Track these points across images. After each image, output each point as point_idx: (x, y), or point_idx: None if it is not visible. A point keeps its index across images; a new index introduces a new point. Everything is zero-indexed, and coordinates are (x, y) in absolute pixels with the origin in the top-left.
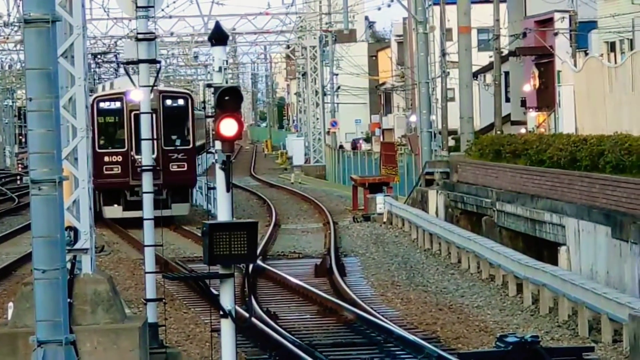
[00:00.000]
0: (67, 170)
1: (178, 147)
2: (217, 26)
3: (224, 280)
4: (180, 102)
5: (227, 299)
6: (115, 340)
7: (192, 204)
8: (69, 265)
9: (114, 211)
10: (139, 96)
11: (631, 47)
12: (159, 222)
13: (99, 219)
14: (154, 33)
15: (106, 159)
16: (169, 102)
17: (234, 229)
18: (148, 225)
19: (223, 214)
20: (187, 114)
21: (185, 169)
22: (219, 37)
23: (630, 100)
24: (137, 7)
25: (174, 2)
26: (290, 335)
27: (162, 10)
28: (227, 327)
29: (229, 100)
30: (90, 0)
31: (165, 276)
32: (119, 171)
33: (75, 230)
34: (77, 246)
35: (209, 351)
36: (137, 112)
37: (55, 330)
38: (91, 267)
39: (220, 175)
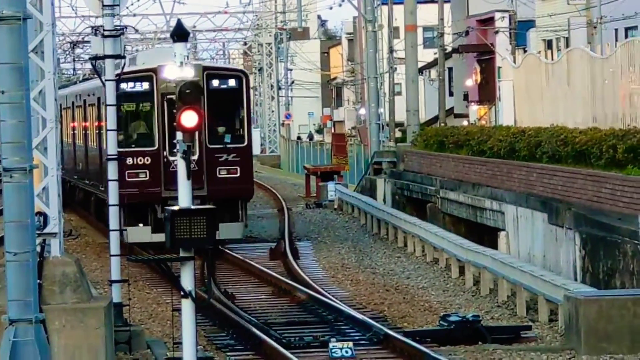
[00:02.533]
0: (37, 159)
1: (228, 146)
2: (179, 24)
3: (184, 263)
4: (232, 82)
5: (187, 281)
6: (82, 318)
7: (246, 223)
8: (38, 249)
9: (139, 233)
10: (176, 73)
11: (567, 45)
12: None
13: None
14: (120, 29)
15: (129, 161)
16: (215, 82)
17: (194, 214)
18: (113, 211)
19: (183, 201)
20: (240, 99)
21: (238, 175)
22: (180, 34)
23: (565, 94)
24: (103, 5)
25: (138, 1)
26: (246, 315)
27: (127, 8)
28: (187, 307)
29: (189, 93)
30: None
31: (129, 259)
32: (147, 178)
33: (44, 216)
34: (46, 230)
35: (170, 329)
36: (174, 96)
37: (25, 309)
38: (60, 250)
39: (181, 164)
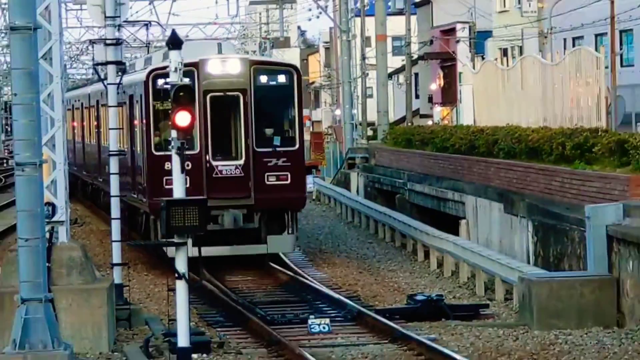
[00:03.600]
0: (46, 155)
1: (278, 149)
2: (173, 33)
3: (178, 248)
4: (282, 78)
5: (181, 264)
6: (87, 298)
7: (297, 235)
8: (48, 235)
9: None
10: (224, 67)
11: (521, 53)
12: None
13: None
14: (120, 39)
15: (167, 166)
16: (264, 78)
17: (187, 204)
18: (114, 201)
19: (178, 192)
20: (291, 96)
21: (289, 181)
22: (174, 42)
23: (519, 97)
24: (105, 16)
25: (137, 13)
26: (234, 295)
27: (126, 19)
28: (181, 287)
29: (183, 95)
30: (66, 10)
31: (129, 244)
32: (188, 185)
33: (53, 205)
34: (54, 219)
35: (165, 307)
36: (218, 93)
37: (36, 289)
38: (66, 237)
39: (176, 159)
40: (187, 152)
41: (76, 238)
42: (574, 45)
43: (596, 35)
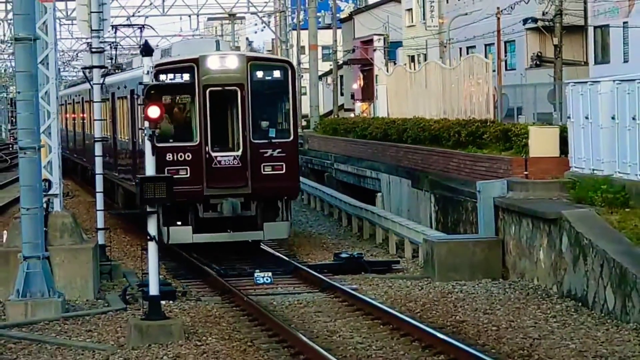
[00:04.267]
0: (43, 141)
1: (273, 140)
2: (146, 43)
3: (150, 216)
4: (277, 74)
5: (152, 228)
6: (76, 256)
7: (291, 222)
8: (45, 205)
9: (181, 234)
10: (222, 63)
11: (425, 59)
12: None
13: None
14: (102, 48)
15: (169, 156)
16: (259, 73)
17: (157, 180)
18: (98, 178)
19: (149, 170)
20: (286, 91)
21: (284, 171)
22: (147, 50)
23: (424, 94)
24: (91, 30)
25: (118, 26)
26: (196, 255)
27: (108, 32)
28: (152, 248)
29: (154, 93)
30: (59, 24)
31: (110, 213)
32: (188, 175)
33: (49, 182)
34: (50, 192)
35: (140, 263)
36: (217, 88)
37: (35, 249)
38: (60, 207)
39: (147, 144)
40: (188, 144)
41: (68, 208)
42: (467, 53)
43: (486, 45)
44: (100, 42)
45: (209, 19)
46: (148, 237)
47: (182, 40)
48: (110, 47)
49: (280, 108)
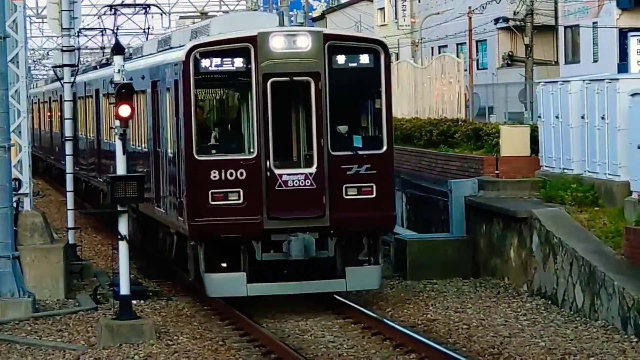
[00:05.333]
0: (13, 140)
1: (360, 153)
2: (117, 42)
3: (121, 215)
4: (365, 59)
5: (123, 228)
6: (47, 255)
7: (383, 266)
8: (15, 204)
9: (229, 283)
10: (290, 43)
11: (397, 58)
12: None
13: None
14: (73, 46)
15: (213, 175)
16: (342, 59)
17: (127, 179)
18: (69, 177)
19: (120, 169)
20: (377, 83)
21: (374, 195)
22: (118, 49)
23: (396, 93)
24: (62, 28)
25: (88, 24)
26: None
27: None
28: (123, 247)
29: (125, 92)
30: (30, 23)
31: (81, 212)
32: (240, 201)
33: (19, 181)
34: (20, 191)
35: (111, 263)
36: (283, 79)
37: (5, 248)
38: (30, 206)
39: (118, 143)
40: (240, 157)
41: (38, 207)
42: (439, 52)
43: (457, 44)
44: (87, 28)
45: (181, 17)
46: (119, 237)
47: (224, 15)
48: (101, 34)
49: (370, 107)
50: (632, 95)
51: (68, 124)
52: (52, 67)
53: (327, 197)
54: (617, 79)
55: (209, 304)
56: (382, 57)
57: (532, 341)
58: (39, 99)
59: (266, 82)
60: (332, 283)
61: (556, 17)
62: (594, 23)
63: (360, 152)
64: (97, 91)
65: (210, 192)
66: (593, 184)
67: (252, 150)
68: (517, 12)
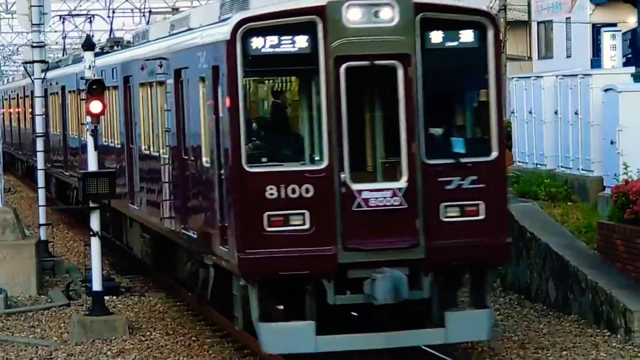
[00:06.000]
0: None
1: (462, 161)
2: (88, 38)
3: (93, 211)
4: (468, 37)
5: (95, 224)
6: (18, 252)
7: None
8: None
9: (292, 335)
10: (370, 16)
11: None
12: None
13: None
14: (43, 42)
15: (270, 192)
16: (438, 37)
17: (99, 176)
18: (40, 174)
19: (92, 166)
20: (484, 68)
21: (482, 217)
22: (89, 45)
23: None
24: (32, 24)
25: (58, 21)
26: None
27: (50, 26)
28: (95, 243)
29: (96, 88)
30: None
31: (53, 208)
32: (307, 226)
33: None
34: None
35: (83, 259)
36: (361, 63)
37: None
38: (1, 203)
39: (90, 140)
40: (306, 168)
41: (9, 204)
42: None
43: None
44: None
45: (151, 12)
46: (91, 233)
47: None
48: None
49: (474, 101)
50: (605, 90)
51: (39, 120)
52: (23, 63)
53: (421, 220)
54: (591, 75)
55: (181, 300)
56: (491, 33)
57: (505, 335)
58: (9, 95)
59: (339, 68)
60: (428, 334)
61: (529, 13)
62: (567, 18)
63: (463, 160)
64: (63, 88)
65: (265, 215)
66: (566, 179)
67: (320, 158)
68: (491, 7)
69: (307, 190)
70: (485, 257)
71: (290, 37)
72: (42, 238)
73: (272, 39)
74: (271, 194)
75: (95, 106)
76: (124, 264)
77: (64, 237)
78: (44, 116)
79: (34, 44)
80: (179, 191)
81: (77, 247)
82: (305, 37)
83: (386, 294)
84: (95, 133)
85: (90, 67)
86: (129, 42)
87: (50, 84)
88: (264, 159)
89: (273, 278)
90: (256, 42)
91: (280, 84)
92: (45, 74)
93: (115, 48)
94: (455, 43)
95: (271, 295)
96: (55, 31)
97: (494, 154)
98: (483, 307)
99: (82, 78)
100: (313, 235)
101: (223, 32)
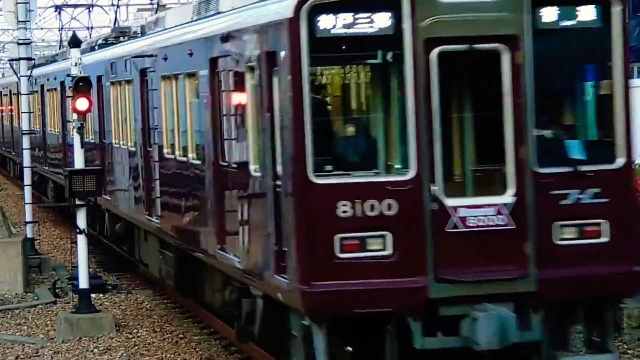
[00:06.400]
0: None
1: (581, 169)
2: (74, 35)
3: (79, 209)
4: (587, 14)
5: (81, 221)
6: (5, 249)
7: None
8: None
9: None
10: None
11: None
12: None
13: None
14: (29, 39)
15: (344, 209)
16: (551, 14)
17: (86, 173)
18: (27, 171)
19: (79, 163)
20: (606, 54)
21: (607, 240)
22: (75, 42)
23: None
24: (18, 21)
25: (44, 18)
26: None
27: (36, 23)
28: (81, 241)
29: (82, 85)
30: None
31: (39, 206)
32: (389, 251)
33: None
34: None
35: (70, 257)
36: (457, 47)
37: None
38: None
39: (76, 137)
40: (386, 179)
41: None
42: None
43: None
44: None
45: (138, 10)
46: (77, 230)
47: None
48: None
49: (595, 94)
50: None
51: (25, 118)
52: (9, 60)
53: (531, 244)
54: None
55: (168, 298)
56: (617, 10)
57: None
58: (0, 92)
59: (430, 53)
60: None
61: None
62: None
63: (582, 169)
64: (42, 86)
65: (337, 238)
66: None
67: (406, 167)
68: None
69: (389, 207)
70: (610, 289)
71: (368, 14)
72: (29, 236)
73: (346, 18)
74: (344, 212)
75: (81, 103)
76: (111, 261)
77: (51, 235)
78: (39, 114)
79: (20, 41)
80: (214, 204)
81: (63, 244)
82: (387, 15)
83: (491, 338)
84: (81, 130)
85: (76, 64)
86: (135, 32)
87: (48, 80)
88: (329, 167)
89: (346, 317)
90: (325, 22)
91: (355, 75)
92: (31, 72)
93: (121, 39)
94: (572, 22)
95: (344, 338)
96: (46, 29)
97: (620, 160)
98: (605, 351)
99: (68, 75)
100: (396, 262)
101: (282, 8)
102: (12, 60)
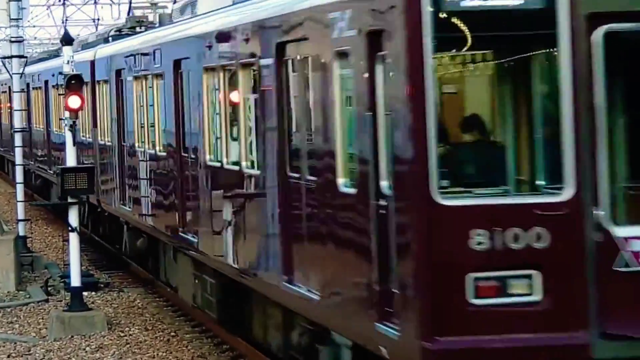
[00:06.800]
0: None
1: None
2: (66, 32)
3: (71, 207)
4: None
5: (73, 220)
6: None
7: None
8: None
9: None
10: None
11: None
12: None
13: None
14: (22, 37)
15: (478, 239)
16: None
17: (78, 171)
18: (19, 169)
19: (71, 161)
20: None
21: None
22: (67, 39)
23: None
24: (10, 18)
25: (36, 16)
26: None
27: (28, 21)
28: (74, 239)
29: (74, 83)
30: None
31: (31, 204)
32: (537, 297)
33: None
34: None
35: (62, 255)
36: (631, 25)
37: None
38: None
39: (68, 135)
40: (533, 200)
41: None
42: None
43: None
44: None
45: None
46: (69, 228)
47: None
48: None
49: None
50: None
51: (18, 115)
52: (1, 58)
53: None
54: None
55: (160, 296)
56: None
57: None
58: None
59: (593, 33)
60: None
61: None
62: None
63: None
64: (46, 82)
65: (470, 278)
66: None
67: (559, 183)
68: None
69: (537, 237)
70: None
71: None
72: (21, 234)
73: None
74: (479, 243)
75: (74, 101)
76: (103, 259)
77: (43, 233)
78: (42, 111)
79: (12, 39)
80: (278, 226)
81: (55, 242)
82: None
83: None
84: (74, 128)
85: (69, 61)
86: (152, 22)
87: (53, 75)
88: (469, 186)
89: None
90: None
91: (491, 64)
92: (23, 69)
93: (138, 29)
94: None
95: None
96: (38, 26)
97: None
98: None
99: (60, 73)
100: (548, 312)
101: None
102: (4, 58)
